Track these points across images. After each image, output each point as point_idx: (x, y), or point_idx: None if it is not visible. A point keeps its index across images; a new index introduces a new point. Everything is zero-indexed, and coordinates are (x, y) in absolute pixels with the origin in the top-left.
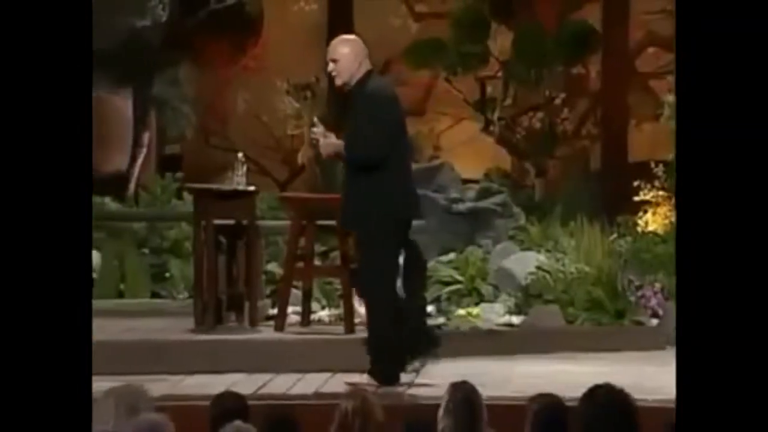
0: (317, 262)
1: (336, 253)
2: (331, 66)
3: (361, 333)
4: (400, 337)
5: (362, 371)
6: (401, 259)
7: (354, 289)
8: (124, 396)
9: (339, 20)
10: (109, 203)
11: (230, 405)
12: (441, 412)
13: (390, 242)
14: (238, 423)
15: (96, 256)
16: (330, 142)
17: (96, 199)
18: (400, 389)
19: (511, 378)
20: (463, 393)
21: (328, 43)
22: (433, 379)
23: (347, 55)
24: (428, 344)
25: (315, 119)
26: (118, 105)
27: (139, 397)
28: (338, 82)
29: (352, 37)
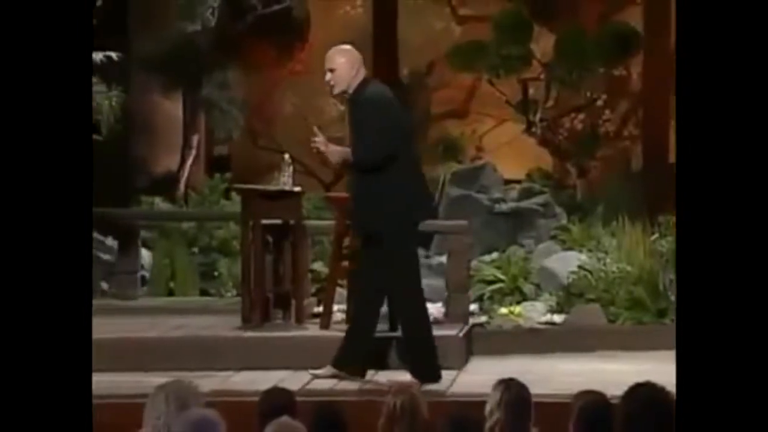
0: None
1: None
2: (328, 75)
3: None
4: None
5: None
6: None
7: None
8: (175, 391)
9: (383, 24)
10: (160, 203)
11: (278, 401)
12: (489, 407)
13: (407, 242)
14: (285, 418)
15: (147, 255)
16: (335, 149)
17: (147, 200)
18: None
19: (553, 376)
20: (515, 389)
21: (373, 47)
22: (476, 376)
23: (343, 65)
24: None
25: (315, 129)
26: (168, 108)
27: (189, 393)
28: (336, 90)
29: (347, 47)
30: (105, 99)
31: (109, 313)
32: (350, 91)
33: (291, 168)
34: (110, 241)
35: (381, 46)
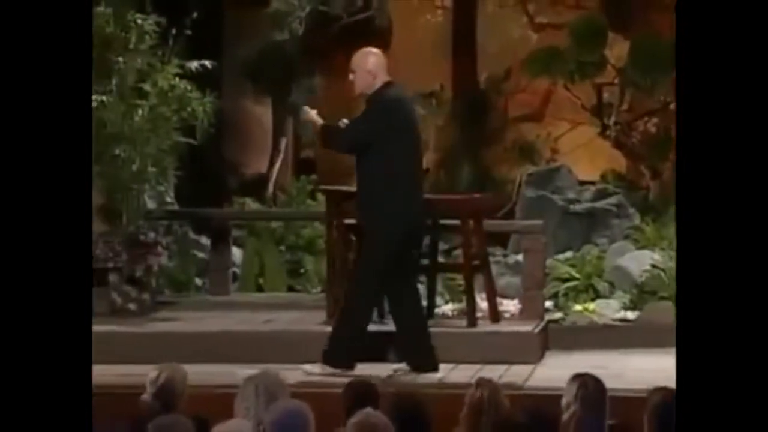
0: (441, 259)
1: (459, 251)
2: (351, 76)
3: (483, 327)
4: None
5: (483, 363)
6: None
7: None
8: (264, 382)
9: (463, 31)
10: (250, 204)
11: (362, 392)
12: (566, 401)
13: (402, 239)
14: (369, 410)
15: (238, 253)
16: (316, 120)
17: (238, 200)
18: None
19: (626, 371)
20: (591, 384)
21: (453, 54)
22: (551, 370)
23: (365, 67)
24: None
25: (305, 107)
26: (259, 113)
27: (277, 384)
28: (357, 90)
29: (373, 50)
30: (199, 105)
31: (203, 308)
32: (369, 92)
33: None
34: (204, 240)
35: (460, 52)
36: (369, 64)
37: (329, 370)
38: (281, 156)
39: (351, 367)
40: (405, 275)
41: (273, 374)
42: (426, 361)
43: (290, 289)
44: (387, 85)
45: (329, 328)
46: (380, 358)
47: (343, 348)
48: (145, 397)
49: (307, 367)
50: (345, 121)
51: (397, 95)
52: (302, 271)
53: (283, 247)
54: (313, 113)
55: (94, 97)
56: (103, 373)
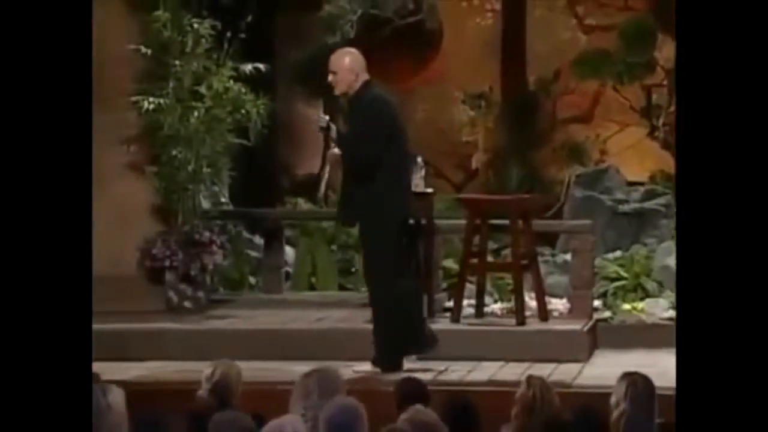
0: (490, 258)
1: (508, 250)
2: (330, 77)
3: (532, 325)
4: (398, 327)
5: (532, 361)
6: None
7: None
8: (320, 379)
9: (512, 34)
10: (302, 204)
11: (412, 390)
12: (615, 399)
13: (386, 239)
14: (419, 406)
15: (291, 252)
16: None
17: (291, 200)
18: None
19: (674, 370)
20: (641, 382)
21: (502, 56)
22: (600, 368)
23: (343, 67)
24: (426, 342)
25: (320, 114)
26: (311, 115)
27: (334, 381)
28: (337, 91)
29: (351, 49)
30: (253, 107)
31: (257, 306)
32: (351, 92)
33: (423, 170)
34: (257, 239)
35: (509, 54)
36: (350, 64)
37: (377, 369)
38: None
39: (399, 367)
40: (387, 270)
41: (330, 371)
42: (387, 359)
43: (341, 287)
44: (367, 84)
45: None
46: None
47: (387, 350)
48: (201, 393)
49: (357, 366)
50: (324, 116)
51: (379, 93)
52: (353, 269)
53: (334, 247)
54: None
55: (151, 99)
56: (159, 369)
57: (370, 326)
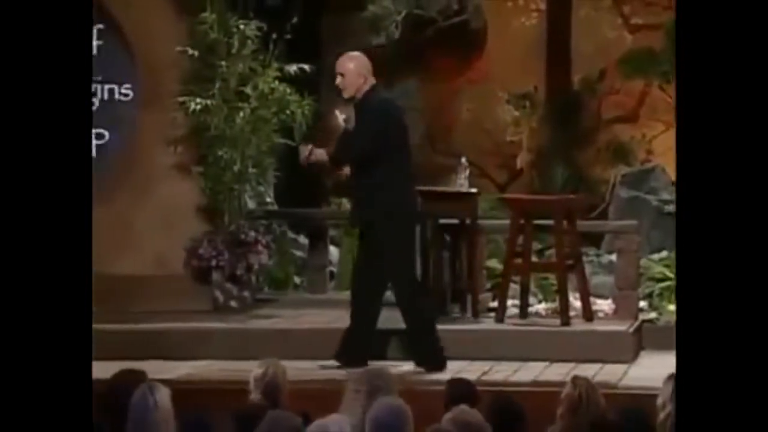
0: (534, 258)
1: (552, 251)
2: (338, 79)
3: (577, 326)
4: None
5: (577, 361)
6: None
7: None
8: (371, 378)
9: (557, 33)
10: (347, 203)
11: (461, 390)
12: (661, 400)
13: (400, 239)
14: (464, 406)
15: (335, 252)
16: (318, 152)
17: (335, 200)
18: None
19: None
20: None
21: (547, 55)
22: (646, 370)
23: (352, 71)
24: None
25: (301, 144)
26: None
27: (384, 380)
28: (345, 94)
29: (357, 53)
30: (298, 107)
31: (302, 305)
32: (359, 96)
33: (467, 170)
34: (302, 239)
35: (554, 54)
36: (357, 68)
37: (420, 369)
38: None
39: (443, 367)
40: (408, 266)
41: (382, 370)
42: (432, 359)
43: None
44: (375, 87)
45: None
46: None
47: (359, 348)
48: (255, 396)
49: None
50: (342, 115)
51: (386, 97)
52: None
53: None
54: (317, 152)
55: (198, 100)
56: (204, 368)
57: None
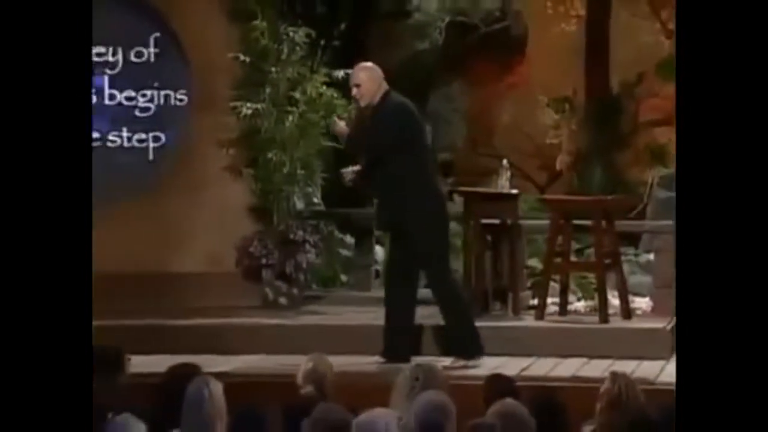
0: (574, 258)
1: (591, 250)
2: (354, 90)
3: (615, 323)
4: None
5: (615, 358)
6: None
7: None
8: (421, 374)
9: (596, 38)
10: None
11: (501, 385)
12: None
13: (428, 230)
14: (509, 400)
15: (380, 251)
16: (341, 126)
17: None
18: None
19: None
20: None
21: (586, 60)
22: None
23: (367, 80)
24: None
25: (335, 119)
26: None
27: (433, 376)
28: (362, 103)
29: (369, 64)
30: (345, 111)
31: (347, 303)
32: (374, 102)
33: (508, 172)
34: (348, 238)
35: (593, 59)
36: (371, 77)
37: (462, 362)
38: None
39: (482, 353)
40: (440, 260)
41: (432, 367)
42: (472, 346)
43: (427, 285)
44: (388, 93)
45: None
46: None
47: (402, 344)
48: (309, 390)
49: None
50: (341, 123)
51: (400, 100)
52: None
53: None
54: (341, 125)
55: (249, 105)
56: (255, 362)
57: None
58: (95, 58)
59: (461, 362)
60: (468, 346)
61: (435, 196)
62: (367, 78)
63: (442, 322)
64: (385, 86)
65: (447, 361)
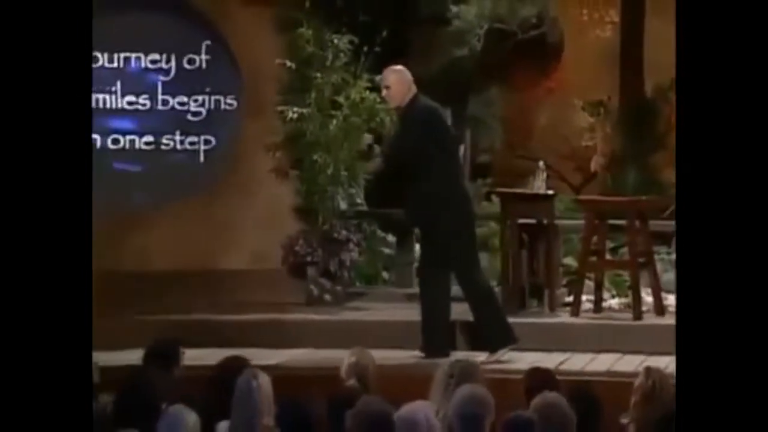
0: (608, 256)
1: (625, 249)
2: (384, 92)
3: (648, 320)
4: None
5: (650, 354)
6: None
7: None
8: (459, 368)
9: (630, 44)
10: None
11: (541, 379)
12: None
13: (458, 229)
14: (552, 393)
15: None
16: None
17: None
18: None
19: None
20: None
21: (621, 65)
22: None
23: (396, 83)
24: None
25: (365, 135)
26: None
27: (471, 370)
28: (392, 104)
29: (399, 67)
30: (386, 115)
31: (390, 299)
32: (403, 104)
33: (544, 174)
34: (390, 237)
35: (627, 63)
36: (402, 79)
37: (494, 357)
38: (460, 161)
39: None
40: (469, 257)
41: (469, 361)
42: (504, 334)
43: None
44: (416, 96)
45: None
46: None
47: (441, 340)
48: (349, 382)
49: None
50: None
51: (428, 103)
52: None
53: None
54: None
55: (295, 109)
56: (300, 356)
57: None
58: (150, 65)
59: (493, 356)
60: (501, 338)
61: (460, 195)
62: (397, 80)
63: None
64: (414, 89)
65: (483, 356)
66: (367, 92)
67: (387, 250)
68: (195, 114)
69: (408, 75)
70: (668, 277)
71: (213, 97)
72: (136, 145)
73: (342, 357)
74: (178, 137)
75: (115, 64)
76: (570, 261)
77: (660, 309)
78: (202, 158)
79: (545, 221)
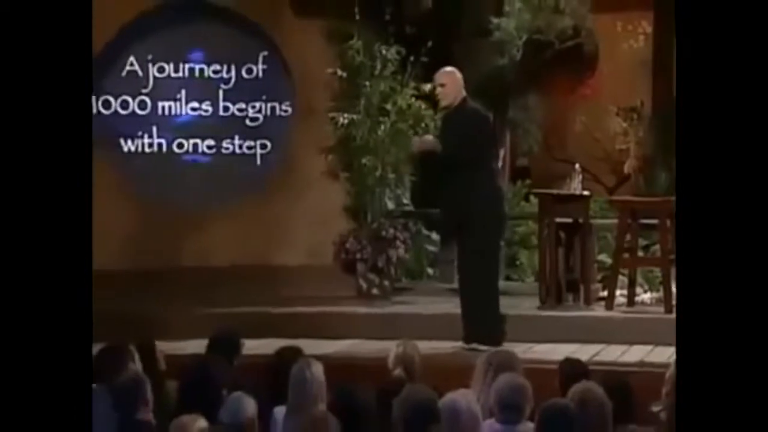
0: (641, 253)
1: (657, 247)
2: (438, 90)
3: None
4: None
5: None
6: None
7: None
8: (499, 359)
9: (662, 53)
10: None
11: (575, 369)
12: None
13: (492, 229)
14: (590, 382)
15: None
16: (427, 138)
17: None
18: None
19: None
20: None
21: (653, 75)
22: None
23: (450, 83)
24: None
25: (418, 135)
26: None
27: (510, 361)
28: (444, 103)
29: (453, 69)
30: (431, 121)
31: (433, 294)
32: (453, 105)
33: (580, 176)
34: (434, 236)
35: (659, 71)
36: (456, 80)
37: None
38: (500, 164)
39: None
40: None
41: (508, 353)
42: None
43: (507, 278)
44: (466, 99)
45: (543, 313)
46: None
47: (493, 321)
48: (399, 372)
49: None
50: (429, 137)
51: (476, 106)
52: (518, 263)
53: (501, 242)
54: (426, 139)
55: (346, 115)
56: (351, 346)
57: (534, 312)
58: (212, 75)
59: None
60: (481, 333)
61: (497, 196)
62: (451, 81)
63: (524, 312)
64: (464, 92)
65: (522, 347)
66: (414, 99)
67: (431, 248)
68: (253, 119)
69: (460, 77)
70: None
71: (269, 104)
72: (199, 149)
73: (389, 348)
74: (237, 142)
75: (180, 74)
76: (604, 258)
77: None
78: (259, 161)
79: (581, 220)
